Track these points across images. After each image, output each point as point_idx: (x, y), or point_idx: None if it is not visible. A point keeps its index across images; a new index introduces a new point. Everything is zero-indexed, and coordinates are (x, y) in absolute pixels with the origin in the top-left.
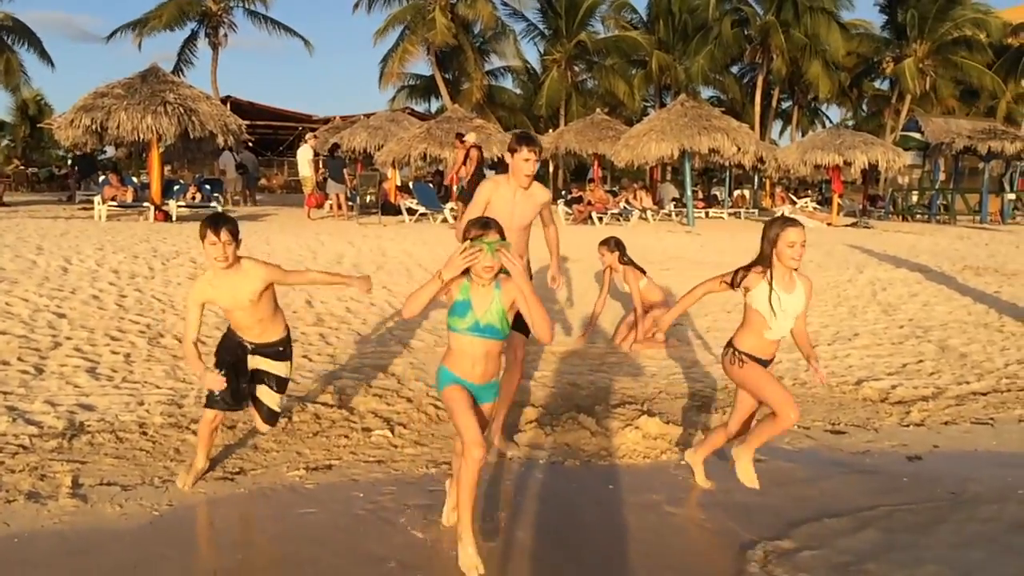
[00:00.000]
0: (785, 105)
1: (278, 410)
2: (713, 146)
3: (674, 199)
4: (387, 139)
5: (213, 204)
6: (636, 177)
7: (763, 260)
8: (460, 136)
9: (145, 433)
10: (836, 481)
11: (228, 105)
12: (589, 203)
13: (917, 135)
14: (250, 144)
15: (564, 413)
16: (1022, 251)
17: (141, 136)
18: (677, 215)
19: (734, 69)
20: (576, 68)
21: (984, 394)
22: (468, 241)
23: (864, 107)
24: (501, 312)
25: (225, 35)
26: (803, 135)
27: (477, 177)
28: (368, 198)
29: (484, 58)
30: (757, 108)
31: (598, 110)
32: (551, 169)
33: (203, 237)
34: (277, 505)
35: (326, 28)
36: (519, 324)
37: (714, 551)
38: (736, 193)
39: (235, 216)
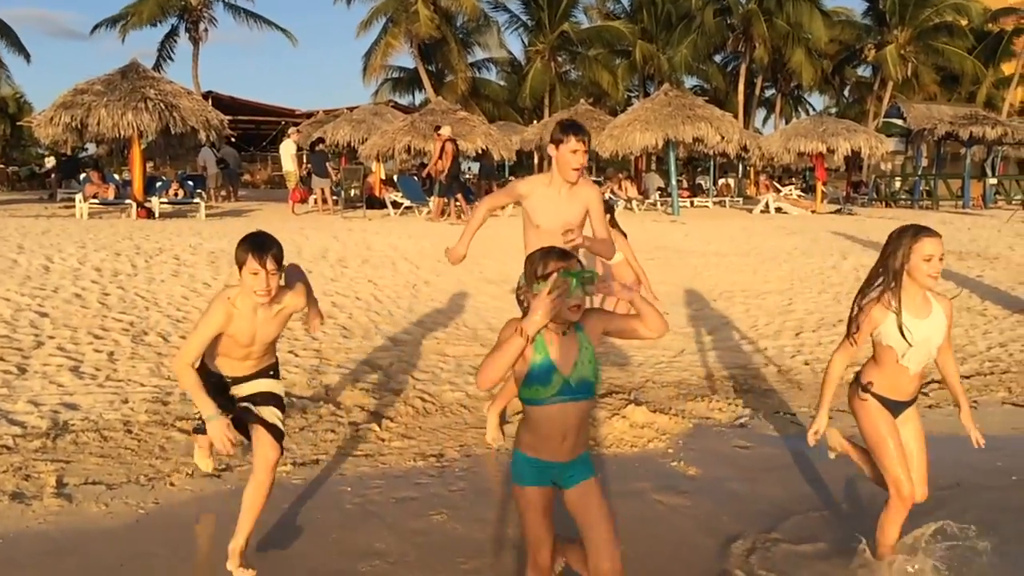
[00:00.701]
0: (768, 93)
1: (283, 428)
2: (697, 135)
3: (659, 189)
4: (371, 132)
5: (196, 200)
6: (621, 167)
7: (888, 278)
8: (439, 129)
9: (130, 431)
10: (822, 467)
11: (210, 100)
12: None
13: (899, 121)
14: (232, 139)
15: None
16: (1004, 235)
17: (122, 133)
18: (662, 204)
19: (717, 58)
20: (559, 59)
21: (967, 377)
22: (542, 278)
23: (846, 94)
24: (593, 360)
25: (206, 30)
26: (786, 123)
27: (454, 170)
28: (353, 192)
29: (468, 50)
30: (740, 97)
31: (582, 101)
32: (536, 161)
33: (241, 264)
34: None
35: (308, 21)
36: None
37: (700, 538)
38: (721, 182)
39: (219, 212)
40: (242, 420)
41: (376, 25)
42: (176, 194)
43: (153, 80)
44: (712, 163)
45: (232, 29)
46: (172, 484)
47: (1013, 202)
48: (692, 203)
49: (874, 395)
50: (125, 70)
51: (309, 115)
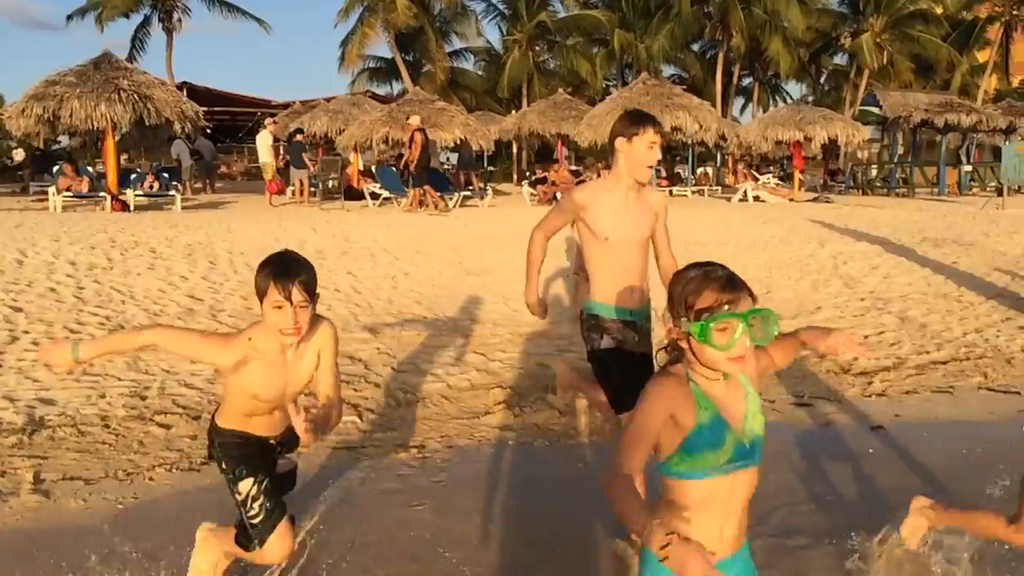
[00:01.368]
0: (746, 82)
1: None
2: (675, 124)
3: None
4: (348, 123)
5: (171, 193)
6: (600, 157)
7: None
8: (408, 118)
9: (108, 426)
10: (807, 458)
11: (184, 91)
12: (553, 183)
13: (875, 109)
14: (208, 131)
15: (532, 393)
16: (979, 222)
17: (95, 125)
18: None
19: (695, 47)
20: (537, 48)
21: (944, 363)
22: (701, 312)
23: (823, 82)
24: (760, 411)
25: (179, 19)
26: (764, 112)
27: (423, 161)
28: (331, 183)
29: (445, 40)
30: (718, 85)
31: (560, 90)
32: (515, 150)
33: (262, 294)
34: None
35: (283, 10)
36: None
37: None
38: (699, 171)
39: (196, 204)
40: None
41: (355, 14)
42: (151, 186)
43: (126, 71)
44: (690, 152)
45: (206, 19)
46: (151, 479)
47: (988, 189)
48: (671, 192)
49: None
50: (98, 61)
51: (285, 106)
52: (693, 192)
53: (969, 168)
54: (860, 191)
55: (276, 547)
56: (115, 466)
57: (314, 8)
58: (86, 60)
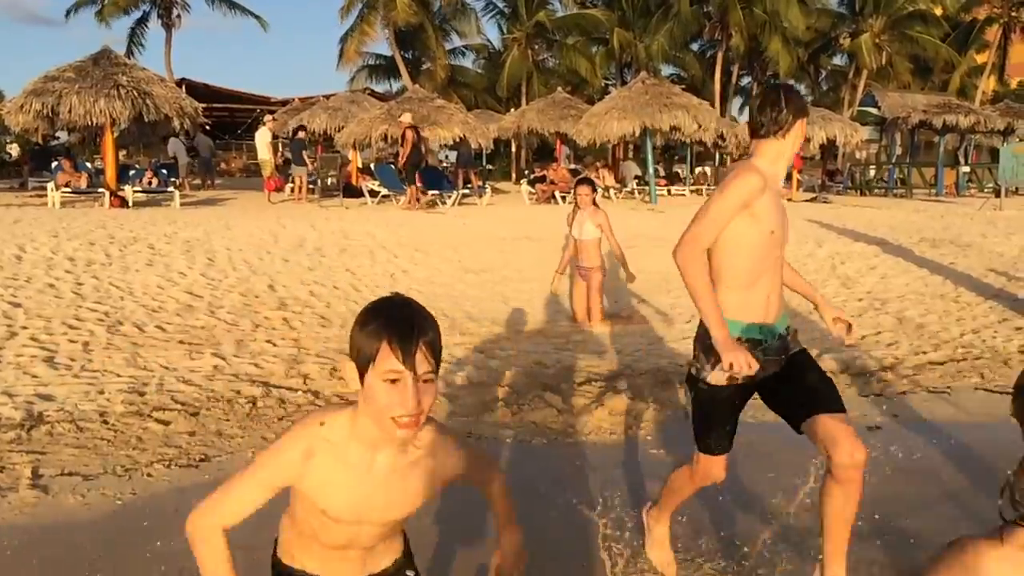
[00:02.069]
0: (745, 81)
1: None
2: (674, 123)
3: (636, 177)
4: (347, 121)
5: (170, 189)
6: (599, 155)
7: None
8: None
9: (106, 422)
10: (802, 453)
11: (183, 88)
12: (552, 182)
13: (874, 110)
14: (207, 127)
15: (530, 392)
16: (976, 223)
17: (94, 120)
18: (640, 193)
19: (694, 46)
20: (536, 47)
21: (941, 364)
22: None
23: (822, 83)
24: None
25: (178, 16)
26: None
27: (414, 158)
28: (330, 180)
29: (445, 37)
30: (717, 85)
31: (559, 89)
32: (514, 149)
33: (368, 358)
34: None
35: (282, 7)
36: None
37: (677, 527)
38: (698, 170)
39: (194, 201)
40: None
41: (355, 10)
42: (150, 182)
43: (126, 67)
44: (689, 151)
45: (205, 15)
46: (149, 475)
47: (985, 190)
48: (669, 191)
49: None
50: (97, 57)
51: (284, 103)
52: (691, 191)
53: (967, 169)
54: (858, 191)
55: None
56: (113, 462)
57: (313, 5)
58: (85, 56)
